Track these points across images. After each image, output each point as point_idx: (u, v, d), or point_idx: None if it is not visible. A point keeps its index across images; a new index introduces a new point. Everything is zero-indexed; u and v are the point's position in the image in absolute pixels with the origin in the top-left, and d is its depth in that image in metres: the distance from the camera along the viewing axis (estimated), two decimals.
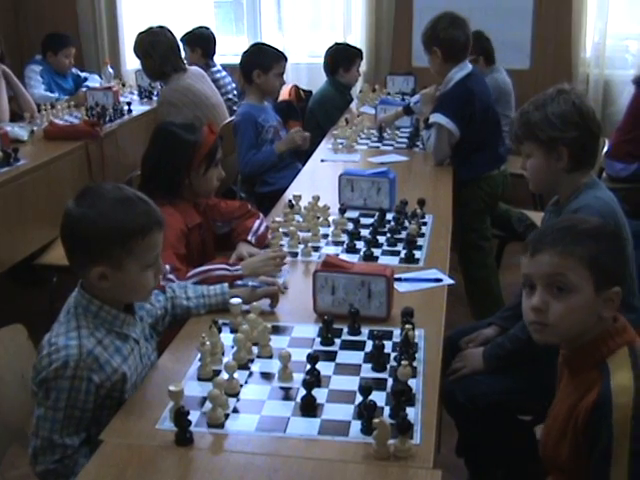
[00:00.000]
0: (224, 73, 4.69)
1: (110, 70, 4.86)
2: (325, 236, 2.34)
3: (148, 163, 2.17)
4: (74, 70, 4.77)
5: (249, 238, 2.19)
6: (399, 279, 1.96)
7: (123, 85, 4.91)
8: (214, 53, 4.70)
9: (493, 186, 3.18)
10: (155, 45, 3.66)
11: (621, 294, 1.32)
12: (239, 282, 1.82)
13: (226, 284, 1.82)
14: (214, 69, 4.62)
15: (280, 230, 2.31)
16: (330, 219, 2.44)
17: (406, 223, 2.39)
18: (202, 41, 4.64)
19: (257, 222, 2.27)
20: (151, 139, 2.20)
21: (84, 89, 4.41)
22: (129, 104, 4.21)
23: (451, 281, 1.99)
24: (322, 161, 3.25)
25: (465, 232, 3.14)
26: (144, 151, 2.20)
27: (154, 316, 1.70)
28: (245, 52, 3.52)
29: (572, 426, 1.31)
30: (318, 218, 2.42)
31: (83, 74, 4.84)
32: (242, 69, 3.47)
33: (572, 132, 1.86)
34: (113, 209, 1.43)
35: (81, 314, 1.47)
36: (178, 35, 3.98)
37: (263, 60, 3.42)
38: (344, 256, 2.12)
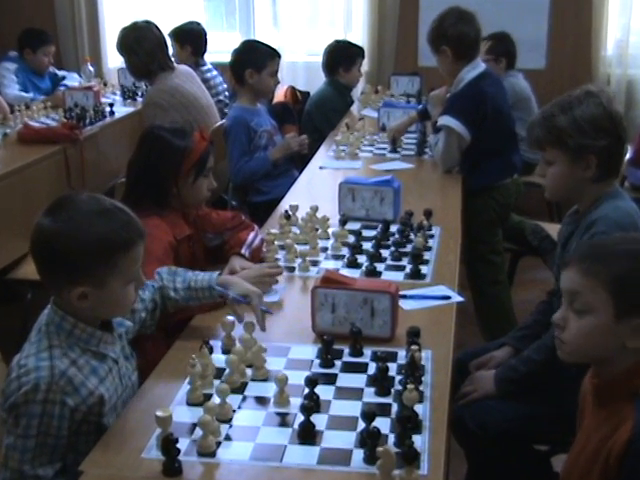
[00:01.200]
0: (215, 72, 4.72)
1: (90, 68, 4.88)
2: (324, 249, 2.35)
3: (134, 170, 2.19)
4: (51, 69, 4.77)
5: (243, 251, 2.21)
6: (404, 296, 1.97)
7: (105, 85, 4.93)
8: (205, 51, 4.72)
9: (506, 196, 3.17)
10: (140, 41, 3.67)
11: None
12: (219, 288, 1.81)
13: (215, 274, 1.84)
14: (204, 68, 4.64)
15: (276, 243, 2.33)
16: (330, 231, 2.45)
17: (412, 236, 2.40)
18: (192, 37, 4.65)
19: (251, 234, 2.29)
20: (138, 144, 2.22)
21: (62, 89, 4.42)
22: (111, 105, 4.22)
23: (460, 298, 2.00)
24: (321, 168, 3.27)
25: (475, 245, 3.14)
26: (130, 157, 2.22)
27: (134, 331, 1.71)
28: (236, 50, 3.55)
29: (602, 462, 1.30)
30: (317, 230, 2.43)
31: (61, 72, 4.85)
32: (233, 68, 3.50)
33: (603, 140, 1.83)
34: (93, 222, 1.42)
35: (53, 332, 1.46)
36: (165, 31, 4.00)
37: (256, 58, 3.45)
38: (345, 271, 2.14)
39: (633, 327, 1.30)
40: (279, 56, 3.54)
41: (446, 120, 3.07)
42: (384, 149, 3.57)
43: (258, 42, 3.67)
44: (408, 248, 2.32)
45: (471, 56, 3.08)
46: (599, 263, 1.32)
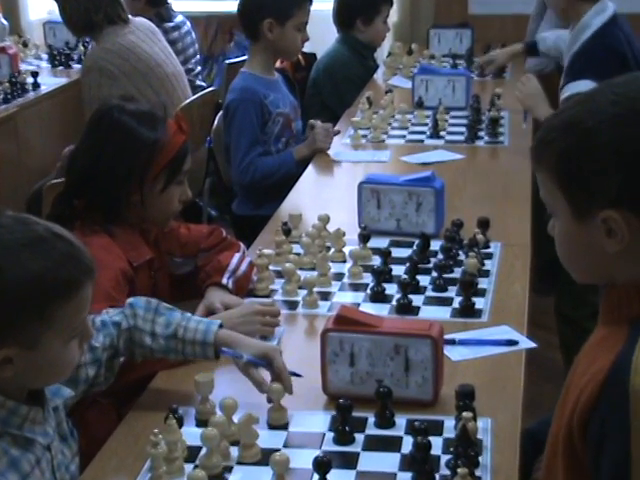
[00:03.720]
0: (187, 28, 4.66)
1: (3, 22, 4.87)
2: (339, 277, 2.37)
3: (77, 168, 2.19)
4: None
5: (224, 281, 2.22)
6: (452, 341, 1.99)
7: (25, 45, 4.92)
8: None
9: None
10: None
11: (629, 219, 1.32)
12: (226, 350, 1.82)
13: (215, 324, 1.83)
14: (170, 25, 4.55)
15: (271, 268, 2.34)
16: (346, 250, 2.47)
17: (461, 256, 2.42)
18: None
19: (236, 257, 2.30)
20: (86, 131, 2.22)
21: None
22: (35, 75, 4.23)
23: (532, 344, 2.02)
24: (334, 162, 3.28)
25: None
26: (70, 149, 2.21)
27: (77, 396, 1.70)
28: None
29: (567, 419, 1.35)
30: (328, 249, 2.45)
31: None
32: (244, 17, 3.50)
33: None
34: (19, 259, 1.39)
35: None
36: None
37: (279, 3, 3.44)
38: (367, 307, 2.15)
39: (599, 226, 1.36)
40: (310, 0, 3.53)
41: (584, 86, 3.04)
42: (421, 133, 3.60)
43: None
44: (456, 273, 2.33)
45: None
46: (542, 148, 1.42)
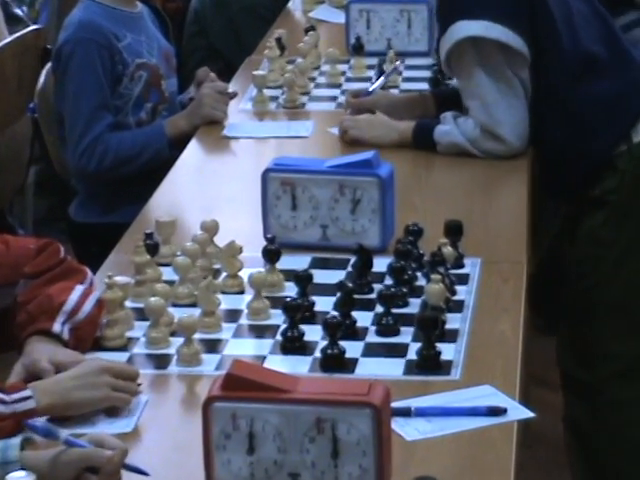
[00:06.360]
0: None
1: None
2: (233, 316, 2.41)
3: None
4: None
5: (56, 328, 2.22)
6: (406, 412, 2.01)
7: None
8: None
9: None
10: None
11: None
12: (36, 423, 1.83)
13: (16, 443, 1.82)
14: None
15: (127, 304, 2.36)
16: (244, 275, 2.47)
17: (420, 280, 2.46)
18: None
19: (77, 290, 2.31)
20: None
21: None
22: None
23: (528, 413, 2.05)
24: (227, 139, 3.33)
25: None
26: None
27: None
28: None
29: None
30: (216, 274, 2.47)
31: None
32: None
33: None
34: None
35: None
36: None
37: None
38: (277, 361, 2.20)
39: None
40: None
41: (467, 28, 3.16)
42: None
43: None
44: (413, 307, 2.38)
45: None
46: None
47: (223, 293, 2.40)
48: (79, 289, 2.29)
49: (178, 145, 3.35)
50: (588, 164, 3.25)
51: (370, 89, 3.53)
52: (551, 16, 3.22)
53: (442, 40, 3.24)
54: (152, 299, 2.29)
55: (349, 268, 2.48)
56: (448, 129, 3.25)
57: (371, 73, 3.68)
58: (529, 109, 3.24)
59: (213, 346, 2.26)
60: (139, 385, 2.10)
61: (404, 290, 2.37)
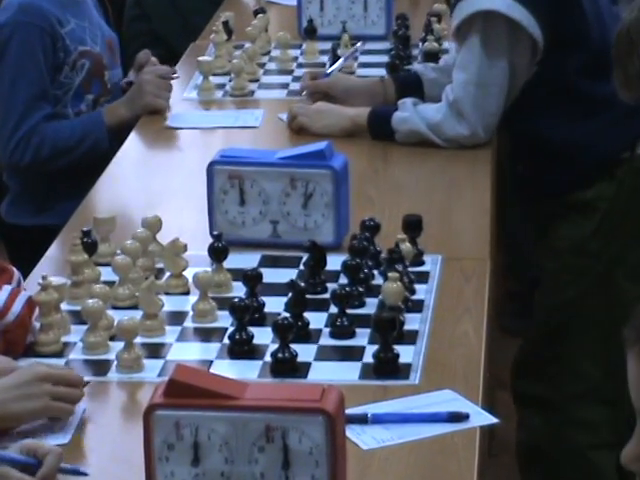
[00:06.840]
0: None
1: None
2: (177, 319, 2.41)
3: None
4: None
5: None
6: (362, 419, 2.02)
7: None
8: None
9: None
10: None
11: None
12: None
13: None
14: None
15: (63, 307, 2.36)
16: (189, 275, 2.48)
17: (377, 278, 2.46)
18: None
19: (4, 290, 2.30)
20: None
21: None
22: None
23: (491, 418, 2.07)
24: (171, 129, 3.35)
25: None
26: None
27: None
28: None
29: None
30: (158, 274, 2.48)
31: None
32: None
33: None
34: None
35: None
36: None
37: None
38: (223, 366, 2.20)
39: None
40: None
41: (490, 1, 3.18)
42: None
43: None
44: (369, 307, 2.39)
45: None
46: None
47: (166, 294, 2.41)
48: (6, 289, 2.29)
49: (118, 135, 3.35)
50: (588, 164, 3.28)
51: (328, 71, 3.55)
52: (581, 9, 3.26)
53: (460, 5, 3.25)
54: (90, 301, 2.28)
55: (301, 266, 2.49)
56: (407, 116, 3.25)
57: (324, 58, 3.70)
58: (532, 102, 3.28)
59: (156, 351, 2.26)
60: (85, 385, 2.09)
61: (360, 289, 2.39)
